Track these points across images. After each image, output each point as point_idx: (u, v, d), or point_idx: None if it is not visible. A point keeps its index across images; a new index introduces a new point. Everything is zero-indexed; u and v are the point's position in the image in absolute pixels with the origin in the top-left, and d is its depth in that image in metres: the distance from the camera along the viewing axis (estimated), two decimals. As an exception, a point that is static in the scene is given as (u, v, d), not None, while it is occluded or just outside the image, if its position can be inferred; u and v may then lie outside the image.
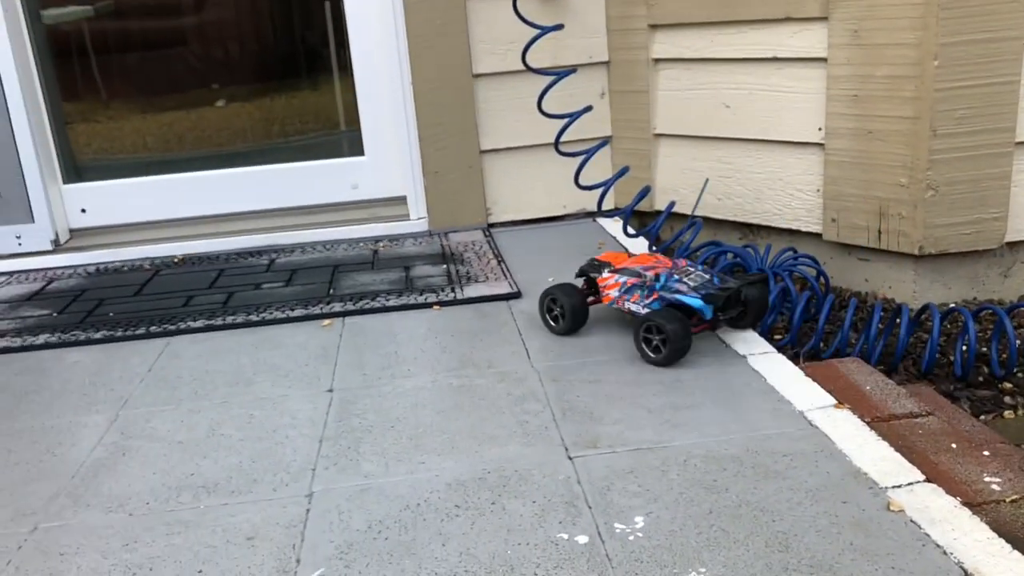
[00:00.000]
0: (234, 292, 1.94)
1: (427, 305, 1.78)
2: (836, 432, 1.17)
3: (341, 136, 2.47)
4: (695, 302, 1.42)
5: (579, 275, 1.61)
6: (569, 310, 1.55)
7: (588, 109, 2.04)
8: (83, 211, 2.36)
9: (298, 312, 1.78)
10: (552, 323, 1.59)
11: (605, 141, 2.17)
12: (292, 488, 1.14)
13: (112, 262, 2.24)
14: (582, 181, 2.02)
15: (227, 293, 1.93)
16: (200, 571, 0.98)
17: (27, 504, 1.15)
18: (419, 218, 2.34)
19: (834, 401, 1.26)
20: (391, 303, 1.80)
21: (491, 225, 2.34)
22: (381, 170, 2.42)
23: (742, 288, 1.48)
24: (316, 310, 1.78)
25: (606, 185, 2.02)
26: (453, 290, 1.85)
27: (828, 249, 1.96)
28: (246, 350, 1.62)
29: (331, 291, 1.90)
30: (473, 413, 1.31)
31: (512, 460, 1.17)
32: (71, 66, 2.36)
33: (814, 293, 1.71)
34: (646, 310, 1.46)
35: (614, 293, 1.52)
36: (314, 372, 1.50)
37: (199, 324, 1.75)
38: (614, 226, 2.21)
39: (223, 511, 1.10)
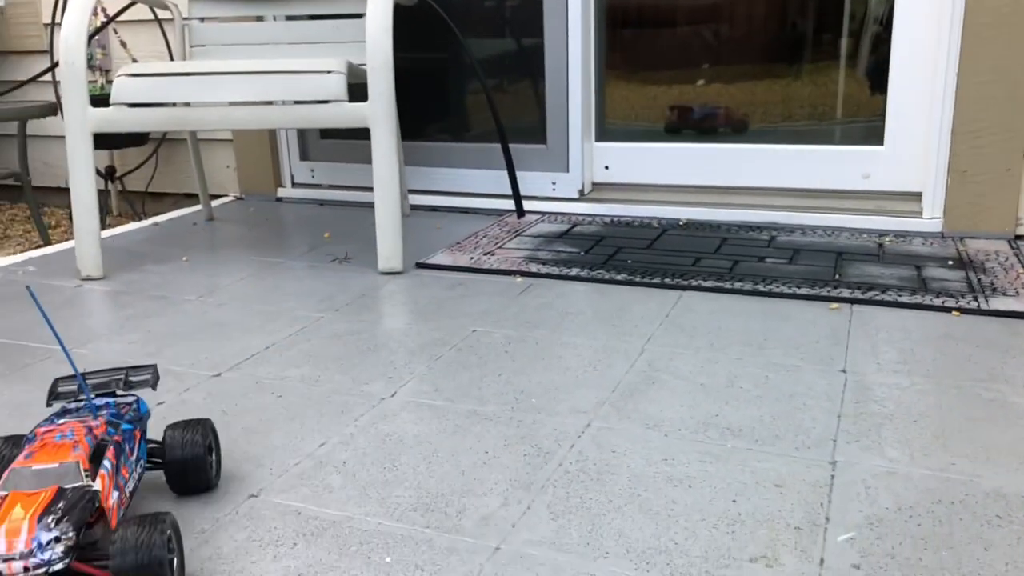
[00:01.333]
0: (738, 261, 2.04)
1: (945, 309, 1.69)
2: None
3: (855, 124, 2.42)
4: (144, 406, 1.12)
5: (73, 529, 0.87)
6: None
7: None
8: (606, 168, 2.66)
9: (804, 290, 1.81)
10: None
11: None
12: (814, 452, 1.20)
13: (624, 216, 2.50)
14: None
15: (732, 260, 2.04)
16: (734, 500, 1.09)
17: (579, 404, 1.37)
18: (932, 218, 2.21)
19: None
20: (903, 299, 1.74)
21: (1018, 237, 2.12)
22: (898, 163, 2.33)
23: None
24: (823, 292, 1.80)
25: None
26: (975, 299, 1.73)
27: None
28: (755, 316, 1.71)
29: (836, 276, 1.90)
30: (1009, 430, 1.23)
31: (1063, 488, 1.08)
32: (607, 36, 2.65)
33: None
34: (143, 461, 1.08)
35: (114, 498, 0.96)
36: (826, 351, 1.53)
37: (709, 284, 1.88)
38: None
39: (749, 455, 1.20)
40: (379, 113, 1.98)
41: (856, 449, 1.20)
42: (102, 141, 2.88)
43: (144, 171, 3.19)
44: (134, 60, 3.04)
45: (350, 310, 1.83)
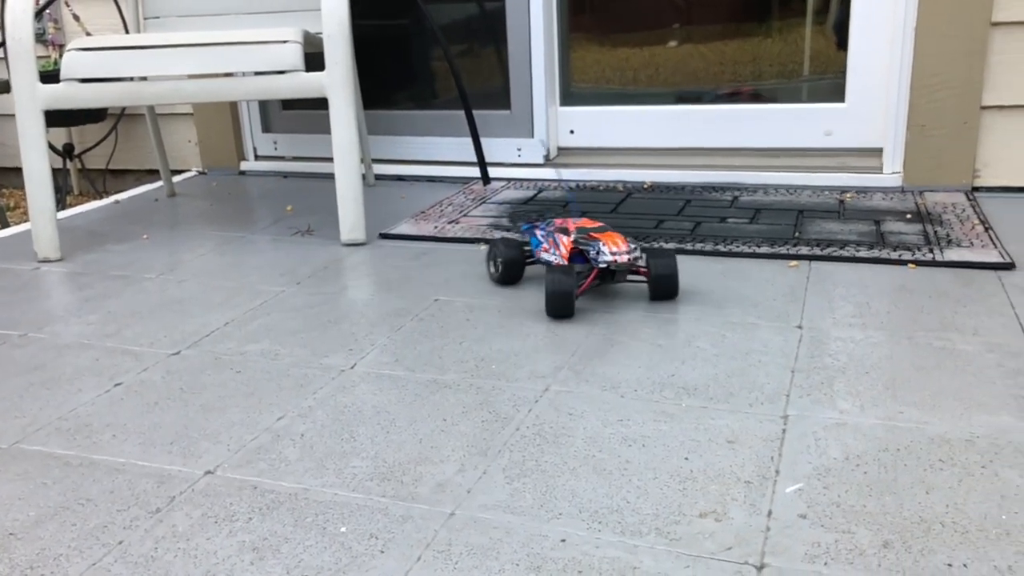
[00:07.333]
0: (700, 222, 2.04)
1: (901, 262, 1.71)
2: None
3: (816, 81, 2.42)
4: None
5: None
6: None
7: None
8: (571, 132, 2.64)
9: (764, 249, 1.83)
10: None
11: None
12: (767, 408, 1.21)
13: (589, 180, 2.50)
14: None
15: (694, 222, 2.05)
16: (687, 458, 1.10)
17: (538, 369, 1.38)
18: (892, 172, 2.23)
19: None
20: (861, 254, 1.76)
21: (975, 188, 2.15)
22: (859, 119, 2.34)
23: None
24: (782, 250, 1.81)
25: None
26: (931, 251, 1.75)
27: None
28: (714, 276, 1.72)
29: (796, 234, 1.91)
30: (956, 377, 1.26)
31: (1006, 431, 1.10)
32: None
33: None
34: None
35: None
36: (783, 308, 1.55)
37: (670, 246, 1.89)
38: None
39: (703, 413, 1.21)
40: (337, 82, 1.96)
41: (808, 402, 1.22)
42: (59, 118, 2.83)
43: (104, 148, 3.14)
44: (88, 34, 2.97)
45: (312, 283, 1.83)
